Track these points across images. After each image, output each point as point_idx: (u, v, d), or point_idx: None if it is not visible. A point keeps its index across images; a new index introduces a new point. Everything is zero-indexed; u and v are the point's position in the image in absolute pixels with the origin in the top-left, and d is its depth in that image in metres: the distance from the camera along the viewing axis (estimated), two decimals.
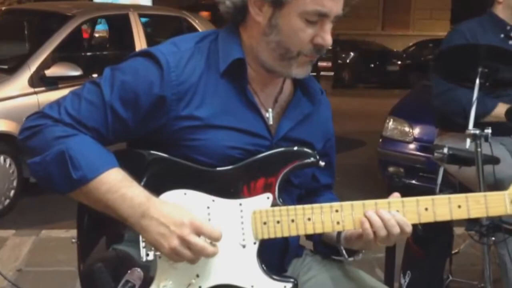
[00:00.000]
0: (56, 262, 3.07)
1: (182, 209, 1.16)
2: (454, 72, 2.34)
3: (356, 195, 1.25)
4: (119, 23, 5.54)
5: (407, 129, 4.44)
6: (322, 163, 1.25)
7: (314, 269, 1.38)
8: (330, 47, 1.23)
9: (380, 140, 4.62)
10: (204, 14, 10.46)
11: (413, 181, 4.13)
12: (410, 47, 16.44)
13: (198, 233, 1.13)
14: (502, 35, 2.54)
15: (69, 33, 4.72)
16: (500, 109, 2.39)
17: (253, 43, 1.25)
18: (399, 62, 15.42)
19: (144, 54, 1.24)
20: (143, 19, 5.60)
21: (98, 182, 1.15)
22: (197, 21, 5.89)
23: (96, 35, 6.92)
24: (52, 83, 4.40)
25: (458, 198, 1.18)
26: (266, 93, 1.30)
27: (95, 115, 1.20)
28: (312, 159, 1.24)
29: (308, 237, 1.40)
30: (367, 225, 1.17)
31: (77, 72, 4.46)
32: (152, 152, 1.23)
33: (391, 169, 4.37)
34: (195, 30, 5.59)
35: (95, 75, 4.68)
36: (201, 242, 1.12)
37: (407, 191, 1.24)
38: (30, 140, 1.20)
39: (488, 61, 2.16)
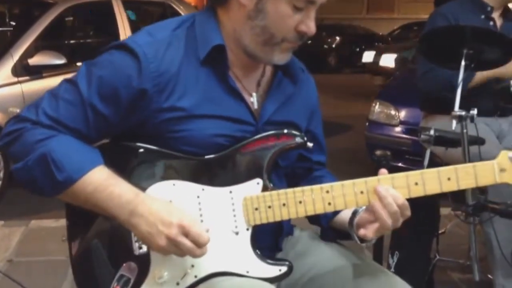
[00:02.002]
0: (46, 252, 3.07)
1: (172, 207, 1.14)
2: (439, 54, 2.35)
3: (344, 178, 1.26)
4: (102, 10, 5.46)
5: (393, 112, 4.47)
6: (310, 145, 1.25)
7: (301, 243, 1.38)
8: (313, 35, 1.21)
9: (367, 123, 4.65)
10: None
11: (400, 164, 4.17)
12: (395, 30, 16.47)
13: (186, 234, 1.11)
14: (482, 16, 2.55)
15: (51, 20, 4.64)
16: (479, 75, 2.44)
17: (236, 27, 1.21)
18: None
19: (119, 46, 1.20)
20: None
21: (83, 182, 1.13)
22: (181, 7, 5.82)
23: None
24: (36, 72, 4.31)
25: (447, 170, 1.17)
26: (248, 77, 1.28)
27: (74, 114, 1.17)
28: (298, 139, 1.23)
29: (313, 221, 1.39)
30: (378, 205, 1.14)
31: (61, 61, 4.38)
32: (138, 144, 1.21)
33: (378, 152, 4.39)
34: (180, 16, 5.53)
35: (79, 64, 4.62)
36: (188, 243, 1.10)
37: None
38: (11, 146, 1.18)
39: (473, 43, 2.17)
